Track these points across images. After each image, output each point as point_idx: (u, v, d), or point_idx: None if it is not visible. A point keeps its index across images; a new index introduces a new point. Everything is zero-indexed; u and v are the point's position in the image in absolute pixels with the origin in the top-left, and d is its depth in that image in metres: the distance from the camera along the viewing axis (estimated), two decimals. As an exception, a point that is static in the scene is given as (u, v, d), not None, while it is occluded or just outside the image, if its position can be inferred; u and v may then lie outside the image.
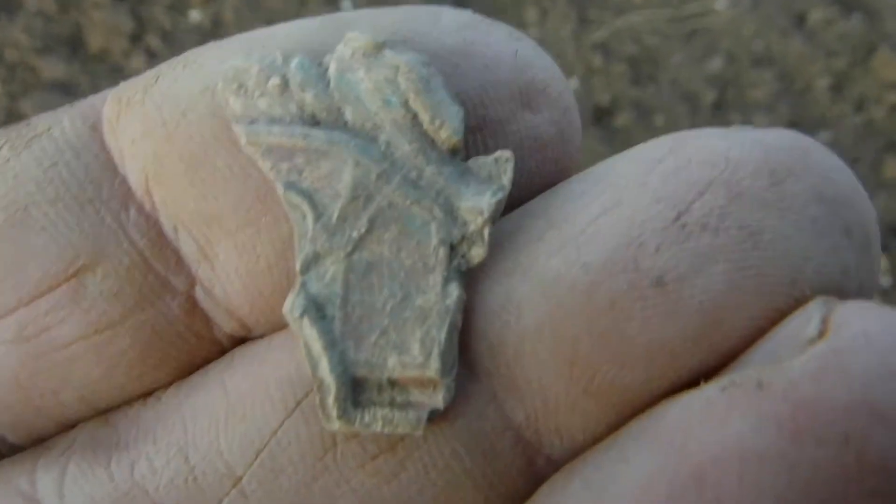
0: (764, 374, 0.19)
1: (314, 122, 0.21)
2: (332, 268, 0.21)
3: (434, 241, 0.22)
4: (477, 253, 0.22)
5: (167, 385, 0.24)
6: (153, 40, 1.29)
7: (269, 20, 1.28)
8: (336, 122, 0.21)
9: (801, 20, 1.47)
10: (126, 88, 0.23)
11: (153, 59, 1.26)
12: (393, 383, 0.22)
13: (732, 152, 0.21)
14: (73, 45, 1.28)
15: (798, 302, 0.20)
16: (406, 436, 0.22)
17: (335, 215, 0.21)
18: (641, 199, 0.21)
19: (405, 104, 0.21)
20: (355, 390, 0.22)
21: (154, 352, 0.23)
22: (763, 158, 0.21)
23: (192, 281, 0.23)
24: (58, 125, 0.23)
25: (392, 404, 0.22)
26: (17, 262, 0.22)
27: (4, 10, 1.29)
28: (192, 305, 0.23)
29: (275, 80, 0.21)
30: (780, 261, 0.20)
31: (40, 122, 0.23)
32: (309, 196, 0.21)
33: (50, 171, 0.22)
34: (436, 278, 0.22)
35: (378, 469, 0.22)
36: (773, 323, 0.20)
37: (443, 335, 0.21)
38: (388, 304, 0.22)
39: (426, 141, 0.21)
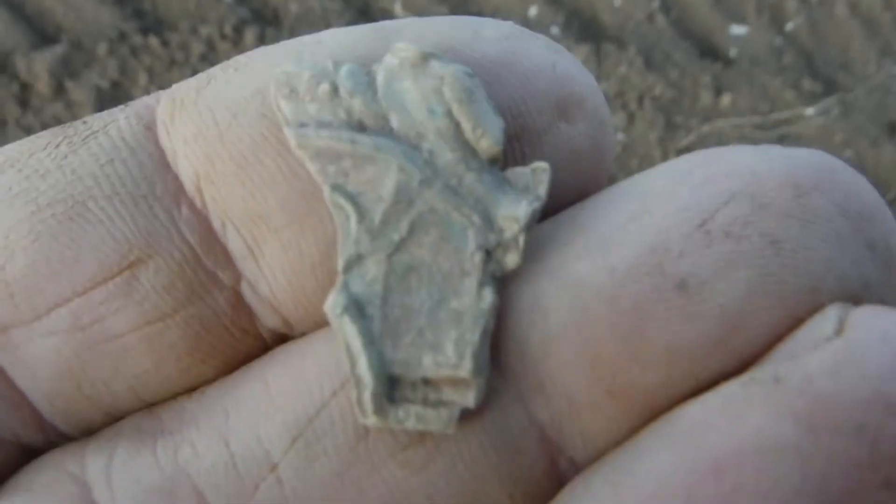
0: (781, 370, 0.20)
1: (361, 127, 0.22)
2: (373, 269, 0.22)
3: (471, 246, 0.22)
4: (511, 259, 0.22)
5: (212, 380, 0.25)
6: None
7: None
8: (382, 129, 0.22)
9: (892, 129, 1.45)
10: (179, 90, 0.24)
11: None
12: (427, 382, 0.22)
13: (758, 166, 0.22)
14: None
15: (817, 310, 0.21)
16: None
17: (378, 218, 0.22)
18: (668, 207, 0.22)
19: (448, 114, 0.22)
20: (391, 387, 0.22)
21: (202, 345, 0.24)
22: (788, 172, 0.21)
23: (238, 277, 0.24)
24: (114, 124, 0.24)
25: (425, 402, 0.22)
26: (73, 253, 0.23)
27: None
28: (238, 300, 0.24)
29: (325, 87, 0.22)
30: (801, 270, 0.21)
31: (96, 120, 0.24)
32: (353, 199, 0.22)
33: (106, 168, 0.23)
34: (471, 282, 0.22)
35: (408, 460, 0.23)
36: (791, 330, 0.21)
37: (476, 337, 0.22)
38: (426, 305, 0.22)
39: (467, 150, 0.22)
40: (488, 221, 0.22)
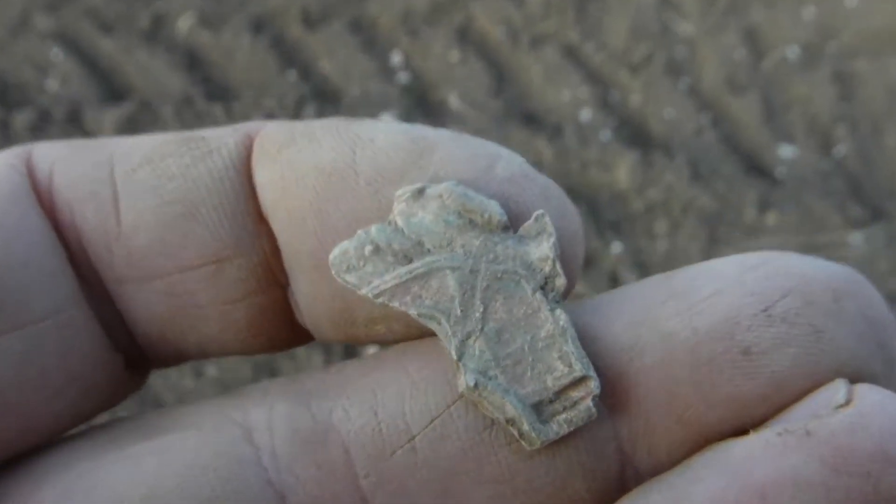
0: (810, 426, 0.27)
1: (409, 260, 0.29)
2: (476, 345, 0.28)
3: (528, 291, 0.29)
4: (560, 282, 0.29)
5: (258, 353, 0.32)
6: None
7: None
8: (423, 252, 0.29)
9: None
10: (268, 140, 0.31)
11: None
12: (558, 394, 0.28)
13: (808, 272, 0.29)
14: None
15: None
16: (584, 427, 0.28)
17: (458, 310, 0.29)
18: (739, 291, 0.29)
19: (459, 215, 0.29)
20: (537, 414, 0.28)
21: (255, 325, 0.31)
22: (829, 280, 0.29)
23: (287, 284, 0.31)
24: (225, 147, 0.31)
25: (566, 409, 0.28)
26: (181, 242, 0.30)
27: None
28: (287, 300, 0.31)
29: (368, 247, 0.29)
30: (832, 354, 0.28)
31: (212, 139, 0.31)
32: (435, 309, 0.29)
33: (217, 183, 0.30)
34: (545, 313, 0.28)
35: (520, 449, 0.28)
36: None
37: (571, 346, 0.28)
38: (525, 346, 0.28)
39: (485, 231, 0.29)
40: (530, 269, 0.29)
